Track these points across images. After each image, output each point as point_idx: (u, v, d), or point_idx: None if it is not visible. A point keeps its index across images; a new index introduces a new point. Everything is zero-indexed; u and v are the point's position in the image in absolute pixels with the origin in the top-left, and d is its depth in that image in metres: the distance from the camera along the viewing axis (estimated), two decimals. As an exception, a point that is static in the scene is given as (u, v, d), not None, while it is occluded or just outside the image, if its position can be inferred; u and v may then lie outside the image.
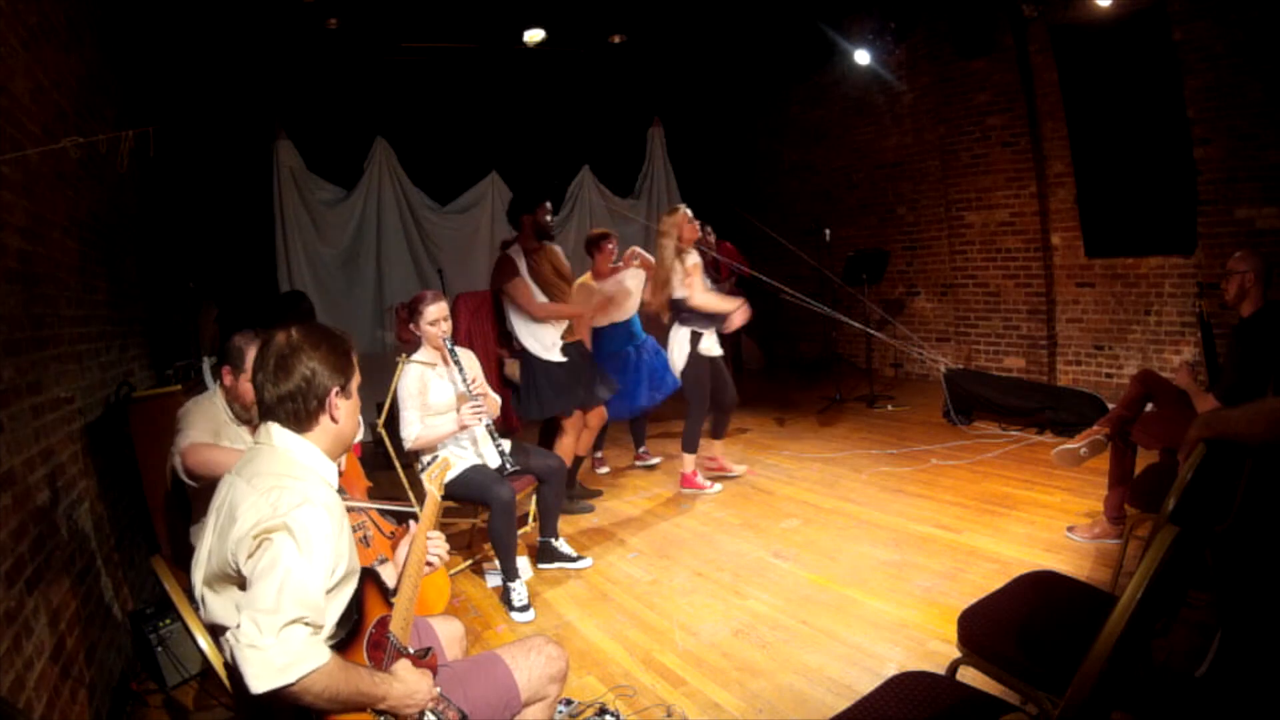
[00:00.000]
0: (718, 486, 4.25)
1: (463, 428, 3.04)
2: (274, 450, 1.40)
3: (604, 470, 4.84)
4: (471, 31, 5.67)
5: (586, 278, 4.37)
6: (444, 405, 3.10)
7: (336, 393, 1.43)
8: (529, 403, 3.85)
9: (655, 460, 4.89)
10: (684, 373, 4.15)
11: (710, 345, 4.13)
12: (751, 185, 8.25)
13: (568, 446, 3.90)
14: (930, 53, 5.98)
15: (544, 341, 3.78)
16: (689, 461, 4.26)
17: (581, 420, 3.96)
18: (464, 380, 3.04)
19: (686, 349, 4.10)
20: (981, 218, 5.89)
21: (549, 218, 3.77)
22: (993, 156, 5.71)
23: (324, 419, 1.43)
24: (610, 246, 4.41)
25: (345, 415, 1.46)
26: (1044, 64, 5.32)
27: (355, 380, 1.49)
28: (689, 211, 4.09)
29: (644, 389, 4.38)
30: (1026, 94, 5.41)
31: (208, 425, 2.29)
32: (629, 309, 4.41)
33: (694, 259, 4.07)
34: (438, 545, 1.72)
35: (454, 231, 7.01)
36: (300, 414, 1.41)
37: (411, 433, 3.04)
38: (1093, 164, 5.19)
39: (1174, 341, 4.97)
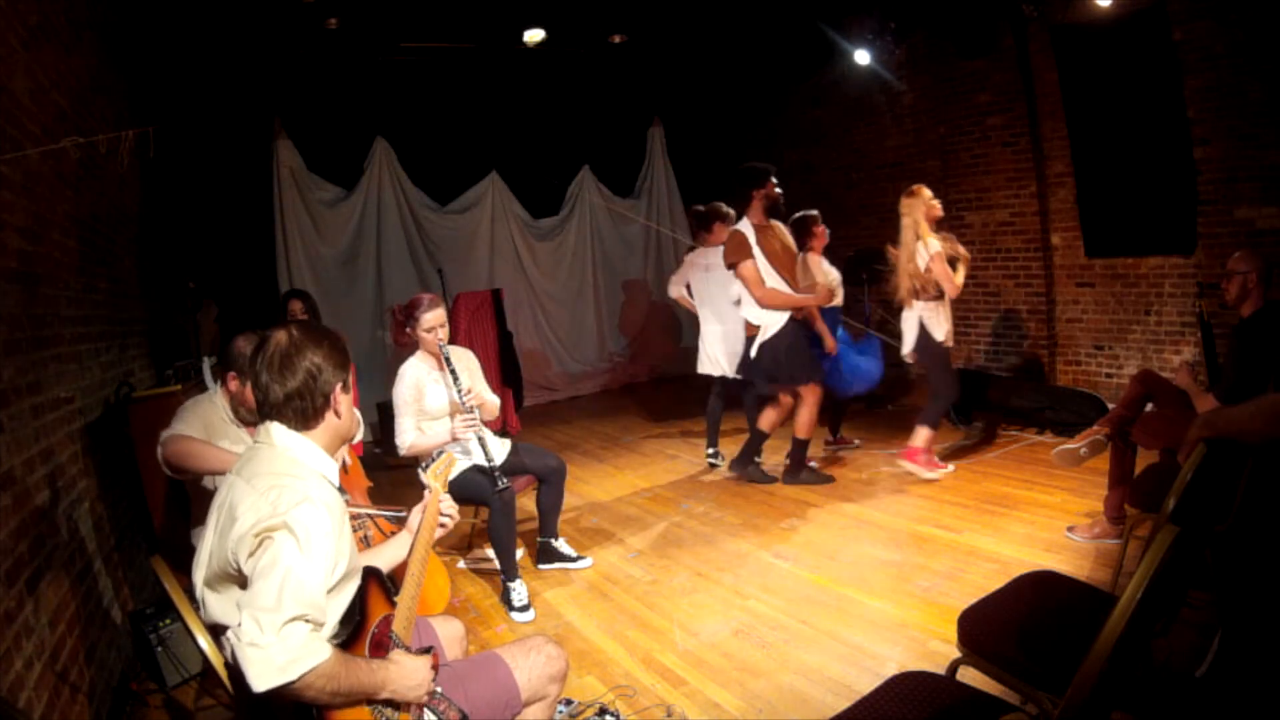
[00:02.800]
0: (950, 467, 4.15)
1: (455, 439, 3.01)
2: (274, 449, 1.41)
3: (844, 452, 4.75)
4: (471, 31, 5.66)
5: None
6: (440, 410, 3.08)
7: (340, 388, 1.46)
8: (772, 369, 3.86)
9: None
10: (920, 353, 4.07)
11: (942, 329, 3.99)
12: (752, 185, 8.23)
13: (807, 420, 3.92)
14: (930, 53, 5.97)
15: (775, 317, 3.83)
16: (921, 436, 4.08)
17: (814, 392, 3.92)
18: (459, 391, 2.96)
19: (915, 331, 4.03)
20: (981, 218, 5.88)
21: (779, 190, 3.74)
22: (993, 156, 5.70)
23: (329, 415, 1.46)
24: (821, 228, 4.41)
25: (345, 410, 1.50)
26: (1044, 64, 5.31)
27: (351, 375, 1.54)
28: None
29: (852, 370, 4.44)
30: (1027, 94, 5.40)
31: (199, 423, 2.30)
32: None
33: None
34: (450, 505, 1.76)
35: (454, 231, 7.02)
36: (307, 411, 1.43)
37: (405, 440, 3.02)
38: (1093, 164, 5.18)
39: (1174, 341, 4.97)
